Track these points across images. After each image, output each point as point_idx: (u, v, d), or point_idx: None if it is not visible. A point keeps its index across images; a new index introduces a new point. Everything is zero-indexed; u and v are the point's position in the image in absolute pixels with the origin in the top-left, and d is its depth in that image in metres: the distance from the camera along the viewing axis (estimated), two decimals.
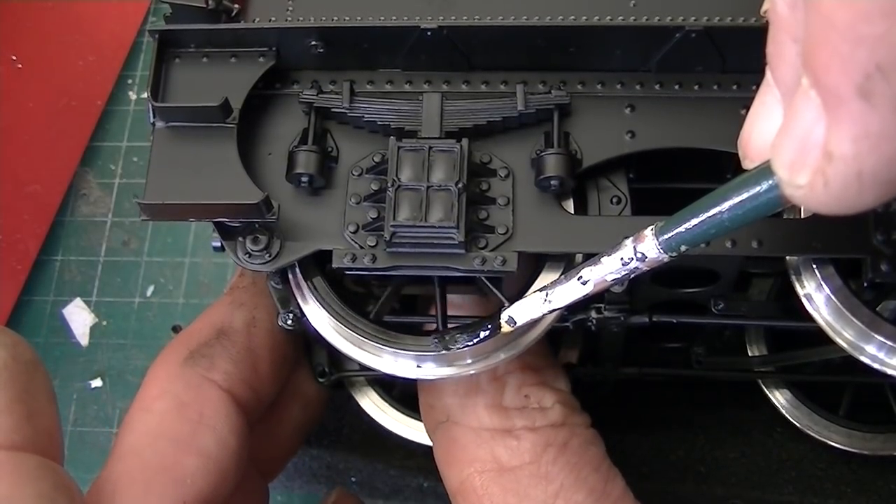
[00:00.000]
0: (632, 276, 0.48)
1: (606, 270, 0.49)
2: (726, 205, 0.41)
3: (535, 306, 0.53)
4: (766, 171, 0.39)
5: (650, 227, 0.46)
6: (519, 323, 0.54)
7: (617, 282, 0.49)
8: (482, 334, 0.55)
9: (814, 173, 0.35)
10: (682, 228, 0.44)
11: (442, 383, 0.63)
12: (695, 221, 0.43)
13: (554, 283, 0.52)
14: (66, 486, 0.53)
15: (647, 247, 0.46)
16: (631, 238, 0.47)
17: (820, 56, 0.33)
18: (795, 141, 0.36)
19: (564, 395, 0.64)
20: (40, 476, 0.52)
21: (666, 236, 0.45)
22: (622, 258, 0.47)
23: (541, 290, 0.52)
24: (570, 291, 0.51)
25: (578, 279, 0.50)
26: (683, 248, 0.45)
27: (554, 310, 0.52)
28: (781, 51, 0.39)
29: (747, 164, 0.43)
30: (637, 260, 0.47)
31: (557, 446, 0.60)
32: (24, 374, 0.54)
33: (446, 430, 0.63)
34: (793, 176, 0.36)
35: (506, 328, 0.54)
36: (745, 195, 0.40)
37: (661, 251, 0.45)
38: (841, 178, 0.35)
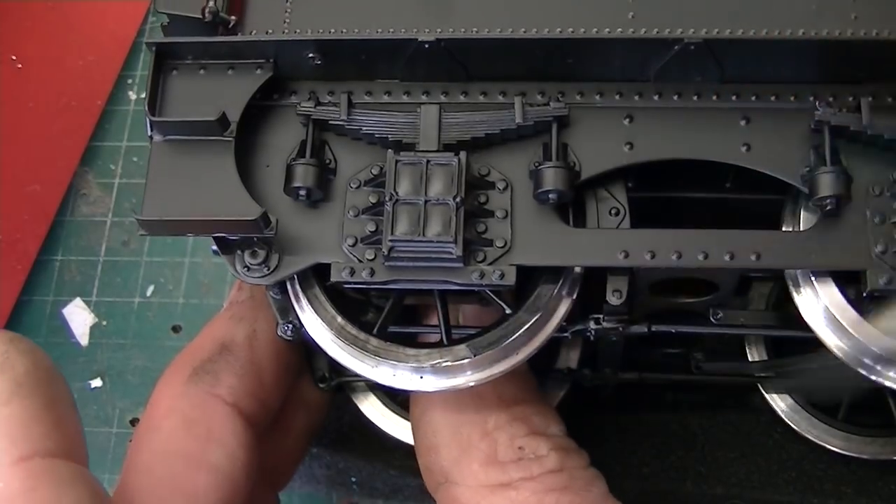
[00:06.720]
0: None
1: None
2: None
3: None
4: None
5: None
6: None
7: None
8: None
9: None
10: None
11: (435, 444, 0.64)
12: None
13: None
14: (99, 493, 0.53)
15: None
16: None
17: None
18: None
19: (559, 440, 0.63)
20: (76, 482, 0.52)
21: None
22: None
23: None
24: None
25: None
26: None
27: None
28: None
29: None
30: None
31: (558, 490, 0.60)
32: (46, 381, 0.54)
33: (446, 490, 0.63)
34: None
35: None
36: None
37: None
38: None
